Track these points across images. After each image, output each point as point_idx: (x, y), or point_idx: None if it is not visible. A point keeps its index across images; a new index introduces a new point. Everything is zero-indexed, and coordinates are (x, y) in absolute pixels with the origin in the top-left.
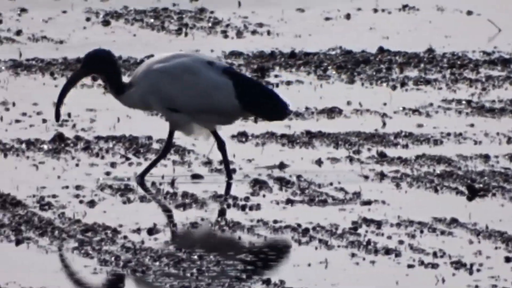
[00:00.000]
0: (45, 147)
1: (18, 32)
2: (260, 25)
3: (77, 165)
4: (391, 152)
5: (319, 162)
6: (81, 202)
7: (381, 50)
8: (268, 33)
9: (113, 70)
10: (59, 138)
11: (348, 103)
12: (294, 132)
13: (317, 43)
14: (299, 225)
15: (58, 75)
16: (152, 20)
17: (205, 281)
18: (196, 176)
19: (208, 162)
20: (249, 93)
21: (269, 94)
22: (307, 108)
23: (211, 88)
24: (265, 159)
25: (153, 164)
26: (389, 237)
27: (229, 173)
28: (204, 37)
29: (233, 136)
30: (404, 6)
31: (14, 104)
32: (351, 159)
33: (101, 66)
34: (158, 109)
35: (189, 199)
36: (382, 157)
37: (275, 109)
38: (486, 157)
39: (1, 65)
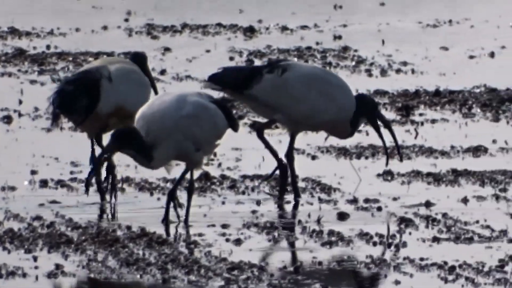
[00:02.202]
0: None
1: (163, 72)
2: (404, 63)
3: (223, 203)
4: None
5: (465, 200)
6: (227, 240)
7: None
8: (413, 71)
9: (141, 142)
10: (205, 177)
11: (494, 141)
12: (440, 171)
13: (461, 81)
14: (445, 263)
15: None
16: (295, 59)
17: None
18: (342, 214)
19: (354, 200)
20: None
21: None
22: (452, 147)
23: (219, 117)
24: (411, 197)
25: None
26: None
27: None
28: (348, 75)
29: (378, 175)
30: None
31: None
32: (497, 197)
33: (130, 143)
34: (188, 154)
35: (335, 237)
36: None
37: None
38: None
39: None
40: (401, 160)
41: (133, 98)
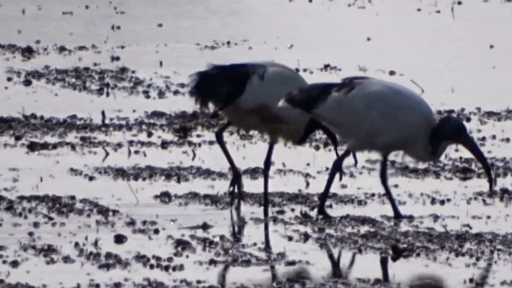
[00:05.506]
0: None
1: None
2: (182, 85)
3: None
4: (315, 212)
5: (243, 222)
6: (4, 262)
7: None
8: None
9: None
10: None
11: (271, 163)
12: (217, 193)
13: None
14: (223, 286)
15: None
16: (73, 80)
17: None
18: (119, 237)
19: (132, 223)
20: None
21: None
22: (230, 169)
23: None
24: (188, 219)
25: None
26: None
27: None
28: (125, 97)
29: (156, 196)
30: (326, 66)
31: None
32: (274, 220)
33: None
34: None
35: (112, 259)
36: (305, 218)
37: None
38: (410, 218)
39: None
40: (490, 188)
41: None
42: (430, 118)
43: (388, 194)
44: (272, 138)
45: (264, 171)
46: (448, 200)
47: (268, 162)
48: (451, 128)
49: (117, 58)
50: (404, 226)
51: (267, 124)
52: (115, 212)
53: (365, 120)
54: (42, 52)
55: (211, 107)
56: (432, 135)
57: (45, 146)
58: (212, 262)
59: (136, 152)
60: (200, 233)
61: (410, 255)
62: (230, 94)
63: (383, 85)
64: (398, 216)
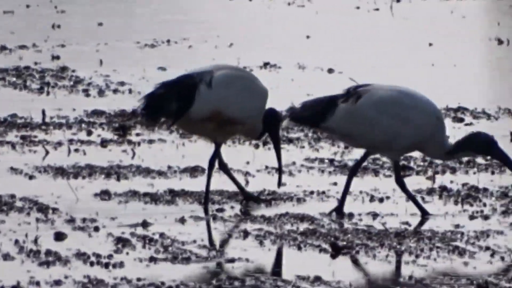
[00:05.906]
0: None
1: None
2: (122, 83)
3: None
4: (254, 210)
5: (182, 220)
6: None
7: None
8: (130, 91)
9: None
10: None
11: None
12: (157, 191)
13: None
14: (162, 283)
15: None
16: (14, 79)
17: None
18: (59, 234)
19: (71, 220)
20: None
21: None
22: (169, 167)
23: None
24: (128, 217)
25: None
26: None
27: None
28: (66, 95)
29: (95, 195)
30: (266, 64)
31: None
32: (214, 217)
33: None
34: None
35: (52, 257)
36: (245, 215)
37: None
38: (349, 215)
39: None
40: None
41: (234, 105)
42: (439, 115)
43: (346, 187)
44: (223, 139)
45: (209, 170)
46: (387, 197)
47: (213, 161)
48: (481, 145)
49: (58, 57)
50: (343, 224)
51: (223, 128)
52: (55, 210)
53: (379, 126)
54: None
55: (163, 123)
56: (460, 146)
57: None
58: (152, 259)
59: (76, 150)
60: (140, 230)
61: (349, 253)
62: (179, 108)
63: (390, 89)
64: (339, 212)
